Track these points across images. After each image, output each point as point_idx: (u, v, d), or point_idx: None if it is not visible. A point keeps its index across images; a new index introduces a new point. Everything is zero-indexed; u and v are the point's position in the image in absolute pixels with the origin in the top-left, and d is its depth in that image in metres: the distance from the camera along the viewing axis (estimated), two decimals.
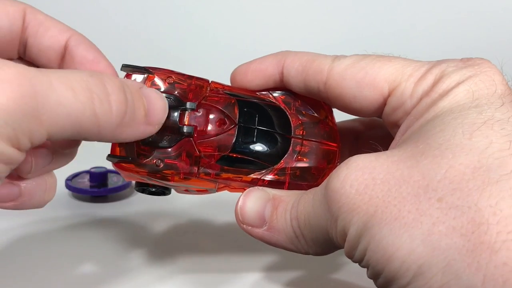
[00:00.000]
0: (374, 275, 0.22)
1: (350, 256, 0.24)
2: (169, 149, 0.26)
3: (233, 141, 0.27)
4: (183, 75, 0.28)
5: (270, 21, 0.61)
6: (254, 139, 0.27)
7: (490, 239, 0.19)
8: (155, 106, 0.25)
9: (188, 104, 0.27)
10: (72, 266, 0.35)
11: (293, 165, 0.28)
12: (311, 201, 0.25)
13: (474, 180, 0.20)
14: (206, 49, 0.62)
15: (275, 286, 0.34)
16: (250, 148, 0.27)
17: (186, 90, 0.28)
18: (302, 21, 0.61)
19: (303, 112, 0.29)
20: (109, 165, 0.31)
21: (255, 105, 0.28)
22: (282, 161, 0.28)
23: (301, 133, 0.29)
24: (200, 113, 0.27)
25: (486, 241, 0.19)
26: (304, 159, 0.28)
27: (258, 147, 0.27)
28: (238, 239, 0.39)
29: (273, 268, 0.36)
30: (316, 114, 0.29)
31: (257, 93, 0.29)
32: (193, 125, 0.27)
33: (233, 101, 0.28)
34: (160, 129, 0.26)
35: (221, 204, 0.38)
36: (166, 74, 0.28)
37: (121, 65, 0.28)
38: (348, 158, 0.24)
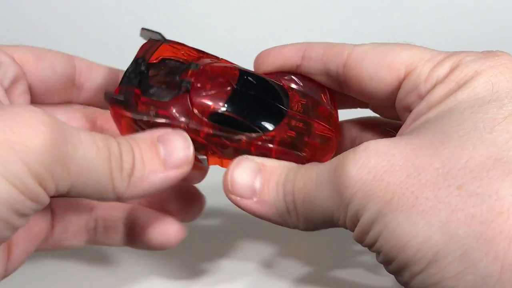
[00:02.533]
0: (387, 261, 0.22)
1: (360, 241, 0.23)
2: (166, 102, 0.27)
3: (226, 100, 0.27)
4: (196, 49, 0.29)
5: (271, 21, 0.61)
6: (248, 102, 0.27)
7: (509, 229, 0.19)
8: (175, 147, 0.25)
9: (192, 65, 0.28)
10: (72, 265, 0.35)
11: (284, 136, 0.28)
12: (314, 180, 0.25)
13: (494, 170, 0.20)
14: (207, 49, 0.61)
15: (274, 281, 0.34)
16: (242, 109, 0.27)
17: (194, 59, 0.29)
18: (307, 19, 0.61)
19: (306, 94, 0.29)
20: None
21: (257, 77, 0.29)
22: (274, 131, 0.27)
23: (298, 110, 0.28)
24: (201, 74, 0.27)
25: (506, 230, 0.19)
26: (296, 134, 0.28)
27: (250, 110, 0.27)
28: (237, 237, 0.38)
29: (271, 261, 0.35)
30: (318, 98, 0.30)
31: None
32: (192, 81, 0.27)
33: (236, 71, 0.28)
34: (161, 82, 0.27)
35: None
36: (179, 46, 0.29)
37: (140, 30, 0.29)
38: (364, 143, 0.23)
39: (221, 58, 0.30)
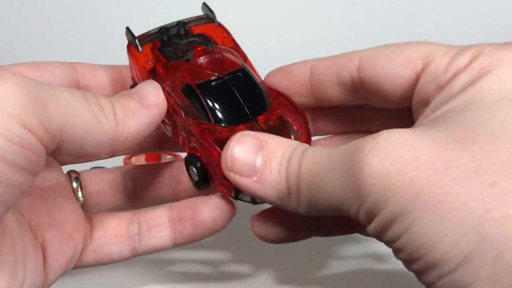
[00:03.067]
0: (410, 260, 0.21)
1: (378, 236, 0.22)
2: (167, 62, 0.29)
3: (205, 82, 0.28)
4: (236, 43, 0.31)
5: (272, 21, 0.60)
6: (220, 94, 0.28)
7: None
8: (145, 90, 0.27)
9: (209, 44, 0.29)
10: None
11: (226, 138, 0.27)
12: (325, 163, 0.23)
13: None
14: None
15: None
16: (211, 96, 0.27)
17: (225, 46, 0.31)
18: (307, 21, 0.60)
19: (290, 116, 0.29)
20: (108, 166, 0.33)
21: (250, 80, 0.29)
22: (225, 128, 0.27)
23: (267, 125, 0.28)
24: (208, 54, 0.29)
25: None
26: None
27: (218, 101, 0.27)
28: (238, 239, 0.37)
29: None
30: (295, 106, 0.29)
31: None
32: (193, 54, 0.29)
33: (239, 67, 0.29)
34: (179, 48, 0.29)
35: None
36: (224, 32, 0.31)
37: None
38: (385, 131, 0.21)
39: (248, 60, 0.31)
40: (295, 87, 0.30)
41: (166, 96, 0.27)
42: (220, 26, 0.31)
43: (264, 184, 0.25)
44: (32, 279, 0.25)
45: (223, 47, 0.30)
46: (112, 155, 0.33)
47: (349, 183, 0.22)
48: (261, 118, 0.27)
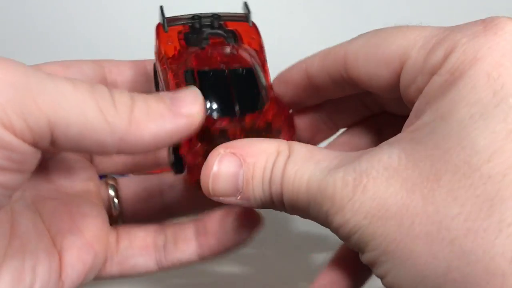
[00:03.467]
0: None
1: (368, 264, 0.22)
2: (186, 46, 0.29)
3: (207, 70, 0.28)
4: (261, 44, 0.31)
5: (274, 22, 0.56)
6: (216, 84, 0.27)
7: None
8: (183, 95, 0.24)
9: (229, 38, 0.29)
10: None
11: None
12: (305, 193, 0.22)
13: (489, 219, 0.18)
14: None
15: None
16: (207, 85, 0.27)
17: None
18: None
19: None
20: None
21: (251, 80, 0.28)
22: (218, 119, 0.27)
23: (249, 126, 0.27)
24: (224, 47, 0.29)
25: None
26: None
27: (211, 89, 0.27)
28: None
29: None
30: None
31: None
32: (209, 43, 0.29)
33: (247, 64, 0.29)
34: (200, 35, 0.29)
35: None
36: (254, 33, 0.31)
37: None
38: (363, 176, 0.21)
39: (267, 65, 0.30)
40: (299, 94, 0.29)
41: (170, 77, 0.27)
42: (253, 27, 0.31)
43: (249, 199, 0.24)
44: (43, 285, 0.24)
45: (244, 46, 0.30)
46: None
47: (325, 223, 0.22)
48: (248, 117, 0.27)
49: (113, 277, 0.29)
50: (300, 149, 0.23)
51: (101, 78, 0.30)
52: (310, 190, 0.22)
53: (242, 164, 0.24)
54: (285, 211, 0.24)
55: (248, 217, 0.28)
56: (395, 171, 0.20)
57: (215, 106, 0.27)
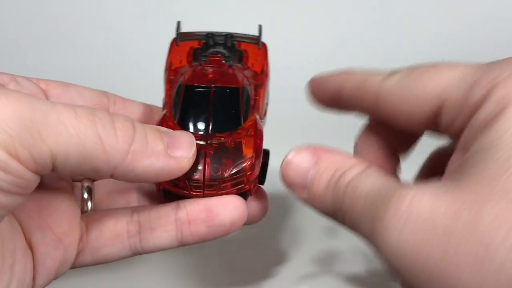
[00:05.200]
0: None
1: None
2: (192, 61, 0.31)
3: (194, 86, 0.29)
4: (264, 67, 0.32)
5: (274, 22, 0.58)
6: (198, 99, 0.29)
7: None
8: (180, 140, 0.25)
9: (231, 60, 0.31)
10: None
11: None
12: (363, 200, 0.23)
13: None
14: None
15: None
16: (188, 102, 0.28)
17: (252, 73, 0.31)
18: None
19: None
20: None
21: (232, 103, 0.29)
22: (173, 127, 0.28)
23: (217, 144, 0.27)
24: (220, 65, 0.30)
25: None
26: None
27: (192, 104, 0.28)
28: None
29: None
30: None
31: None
32: (206, 60, 0.30)
33: (237, 84, 0.29)
34: (207, 55, 0.31)
35: None
36: (261, 56, 0.32)
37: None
38: (408, 197, 0.21)
39: (264, 89, 0.31)
40: (328, 102, 0.30)
41: (166, 88, 0.30)
42: (262, 49, 0.32)
43: (313, 201, 0.26)
44: (18, 284, 0.24)
45: (246, 66, 0.31)
46: None
47: (372, 241, 0.22)
48: (218, 136, 0.28)
49: (87, 265, 0.28)
50: (374, 168, 0.25)
51: (100, 105, 0.31)
52: (368, 199, 0.23)
53: (316, 163, 0.26)
54: (343, 223, 0.25)
55: (242, 207, 0.28)
56: (442, 196, 0.21)
57: (189, 121, 0.28)
